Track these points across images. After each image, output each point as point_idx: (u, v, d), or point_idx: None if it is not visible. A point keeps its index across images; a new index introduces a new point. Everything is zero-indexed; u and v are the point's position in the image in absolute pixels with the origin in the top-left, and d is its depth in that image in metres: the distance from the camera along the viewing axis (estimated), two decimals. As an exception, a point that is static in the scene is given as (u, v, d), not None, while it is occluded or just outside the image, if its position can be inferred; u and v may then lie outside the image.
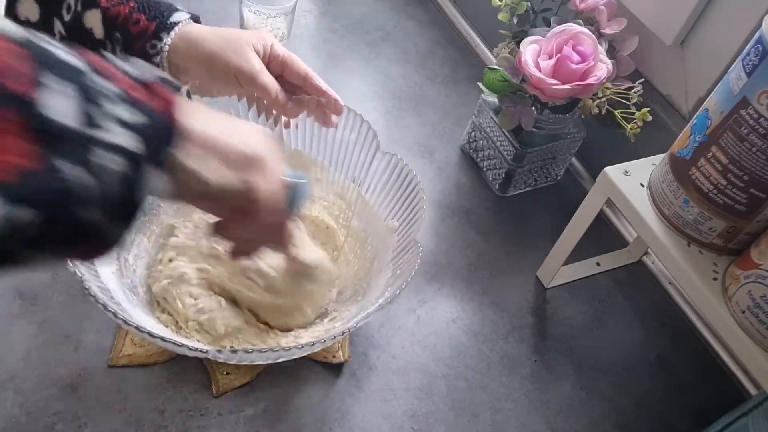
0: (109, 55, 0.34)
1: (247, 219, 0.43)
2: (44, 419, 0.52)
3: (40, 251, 0.30)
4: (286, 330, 0.58)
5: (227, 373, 0.57)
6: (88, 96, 0.30)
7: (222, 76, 0.54)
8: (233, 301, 0.59)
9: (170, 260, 0.59)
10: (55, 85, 0.28)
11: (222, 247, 0.59)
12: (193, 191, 0.38)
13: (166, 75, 0.35)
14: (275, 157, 0.42)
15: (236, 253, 0.49)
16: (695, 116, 0.54)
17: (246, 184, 0.40)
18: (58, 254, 0.32)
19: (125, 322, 0.45)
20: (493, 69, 0.70)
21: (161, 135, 0.33)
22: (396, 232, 0.61)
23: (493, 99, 0.75)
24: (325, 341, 0.48)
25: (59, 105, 0.28)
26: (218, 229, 0.46)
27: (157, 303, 0.58)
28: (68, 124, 0.28)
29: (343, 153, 0.65)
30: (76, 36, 0.53)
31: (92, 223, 0.31)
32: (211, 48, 0.53)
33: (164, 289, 0.57)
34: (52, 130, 0.28)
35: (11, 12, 0.51)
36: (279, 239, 0.50)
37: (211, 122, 0.38)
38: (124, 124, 0.31)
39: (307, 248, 0.58)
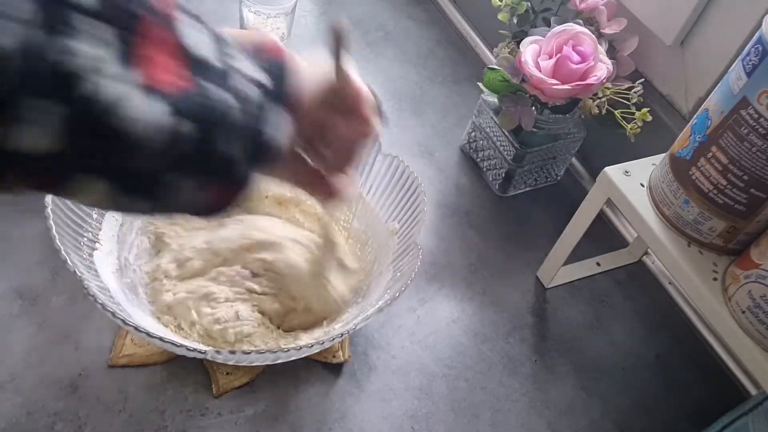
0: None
1: (347, 117, 0.42)
2: (44, 419, 0.52)
3: (183, 177, 0.30)
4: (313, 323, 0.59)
5: (227, 373, 0.57)
6: (217, 37, 0.31)
7: None
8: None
9: (180, 277, 0.59)
10: (190, 22, 0.30)
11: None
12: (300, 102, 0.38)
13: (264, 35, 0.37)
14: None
15: (333, 167, 0.47)
16: (695, 116, 0.54)
17: (348, 75, 0.41)
18: (196, 185, 0.32)
19: (124, 322, 0.45)
20: (493, 69, 0.70)
21: (281, 74, 0.35)
22: (397, 234, 0.61)
23: (493, 99, 0.75)
24: (323, 343, 0.48)
25: (198, 39, 0.30)
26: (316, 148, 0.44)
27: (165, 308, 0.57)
28: (208, 55, 0.30)
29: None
30: None
31: (232, 155, 0.31)
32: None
33: (179, 302, 0.57)
34: (197, 57, 0.29)
35: None
36: (357, 155, 0.47)
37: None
38: (252, 64, 0.33)
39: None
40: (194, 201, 0.32)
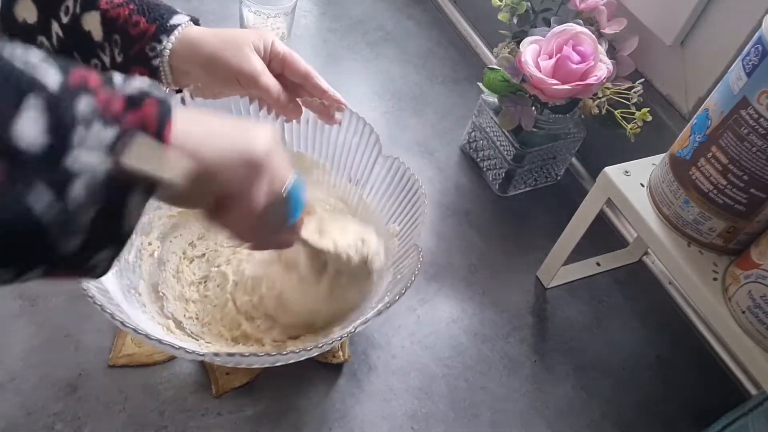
0: (103, 74, 0.33)
1: (240, 220, 0.40)
2: (44, 419, 0.52)
3: (15, 273, 0.30)
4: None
5: (227, 373, 0.57)
6: (60, 118, 0.29)
7: (223, 78, 0.54)
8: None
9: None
10: (26, 107, 0.28)
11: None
12: (191, 180, 0.35)
13: (149, 86, 0.33)
14: (274, 156, 0.41)
15: (247, 244, 0.46)
16: (695, 116, 0.54)
17: (239, 184, 0.38)
18: (36, 275, 0.31)
19: (123, 323, 0.45)
20: (493, 69, 0.70)
21: (138, 143, 0.31)
22: (397, 236, 0.61)
23: (493, 99, 0.75)
24: (322, 346, 0.48)
25: (29, 128, 0.27)
26: (218, 221, 0.42)
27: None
28: (36, 147, 0.28)
29: (345, 156, 0.65)
30: (74, 38, 0.53)
31: (68, 250, 0.30)
32: (211, 50, 0.53)
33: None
34: (20, 151, 0.27)
35: (9, 12, 0.51)
36: (272, 244, 0.47)
37: (204, 125, 0.37)
38: (98, 146, 0.30)
39: (335, 234, 0.54)
40: (48, 277, 0.32)
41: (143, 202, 0.33)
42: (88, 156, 0.29)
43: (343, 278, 0.55)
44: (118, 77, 0.33)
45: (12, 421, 0.52)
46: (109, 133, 0.30)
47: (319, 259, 0.54)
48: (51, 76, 0.29)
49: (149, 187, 0.33)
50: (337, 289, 0.55)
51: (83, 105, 0.30)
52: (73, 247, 0.30)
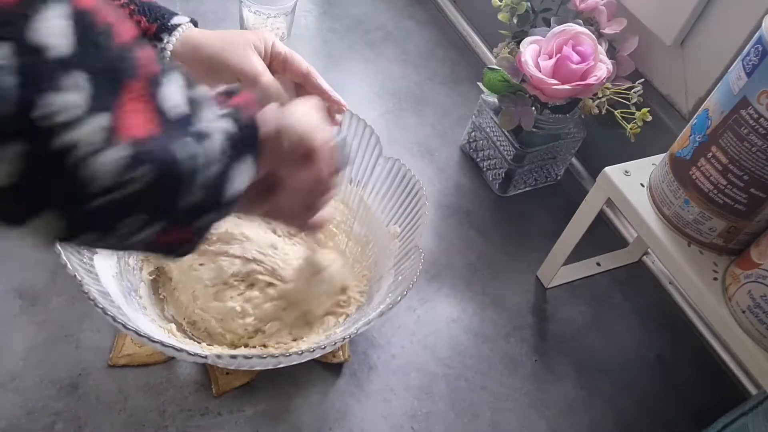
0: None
1: (308, 169, 0.44)
2: (44, 419, 0.52)
3: (141, 222, 0.32)
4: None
5: (227, 373, 0.57)
6: (192, 92, 0.34)
7: (225, 79, 0.54)
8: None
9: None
10: (168, 76, 0.32)
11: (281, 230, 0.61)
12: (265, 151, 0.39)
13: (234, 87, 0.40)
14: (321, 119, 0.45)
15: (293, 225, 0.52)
16: (695, 116, 0.54)
17: (307, 130, 0.42)
18: (154, 231, 0.33)
19: (124, 326, 0.45)
20: (493, 69, 0.70)
21: (250, 124, 0.37)
22: (398, 237, 0.61)
23: (493, 99, 0.75)
24: (325, 347, 0.48)
25: (173, 93, 0.32)
26: (273, 202, 0.46)
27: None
28: (180, 106, 0.32)
29: None
30: None
31: (192, 203, 0.33)
32: (213, 50, 0.53)
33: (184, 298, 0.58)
34: (168, 108, 0.31)
35: None
36: (319, 203, 0.50)
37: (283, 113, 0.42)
38: (220, 115, 0.35)
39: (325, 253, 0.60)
40: (152, 242, 0.34)
41: (250, 170, 0.37)
42: (217, 121, 0.35)
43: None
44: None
45: (12, 421, 0.52)
46: (225, 110, 0.36)
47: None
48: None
49: (260, 153, 0.38)
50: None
51: (199, 89, 0.35)
52: (192, 202, 0.33)
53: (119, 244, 0.33)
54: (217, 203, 0.35)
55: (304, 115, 0.43)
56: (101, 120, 0.27)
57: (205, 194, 0.33)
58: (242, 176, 0.36)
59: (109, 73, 0.28)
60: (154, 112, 0.30)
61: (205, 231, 0.36)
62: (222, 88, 0.39)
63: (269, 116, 0.40)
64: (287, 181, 0.44)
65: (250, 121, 0.37)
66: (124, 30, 0.30)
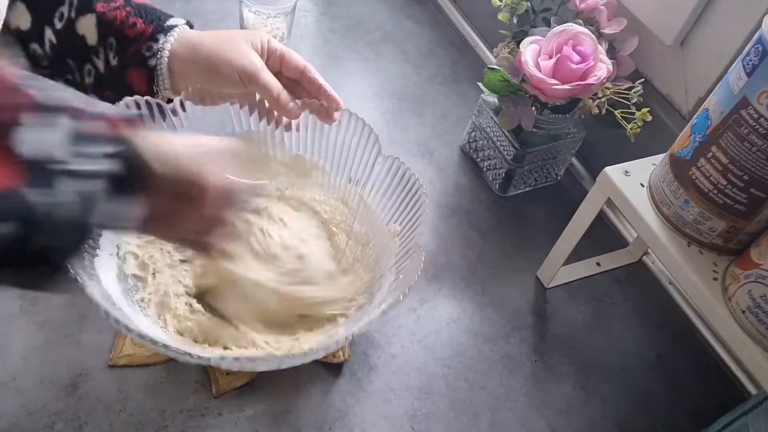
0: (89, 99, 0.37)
1: (192, 208, 0.44)
2: (44, 419, 0.52)
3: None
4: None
5: (227, 373, 0.57)
6: (69, 136, 0.33)
7: (224, 77, 0.54)
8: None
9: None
10: (42, 122, 0.32)
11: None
12: (150, 187, 0.39)
13: (123, 111, 0.40)
14: (228, 159, 0.45)
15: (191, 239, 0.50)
16: (695, 116, 0.54)
17: (198, 171, 0.42)
18: (15, 275, 0.35)
19: (127, 328, 0.45)
20: (493, 69, 0.70)
21: (121, 154, 0.36)
22: (398, 236, 0.60)
23: (493, 99, 0.75)
24: (328, 347, 0.48)
25: (39, 140, 0.32)
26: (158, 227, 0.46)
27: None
28: (46, 156, 0.32)
29: (344, 157, 0.65)
30: (67, 44, 0.53)
31: (57, 248, 0.34)
32: (211, 48, 0.53)
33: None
34: (31, 160, 0.31)
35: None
36: (212, 236, 0.50)
37: (165, 138, 0.42)
38: (97, 158, 0.35)
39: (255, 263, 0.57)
40: (20, 284, 0.36)
41: (130, 208, 0.37)
42: (98, 162, 0.34)
43: None
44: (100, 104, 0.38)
45: (13, 421, 0.52)
46: (111, 146, 0.35)
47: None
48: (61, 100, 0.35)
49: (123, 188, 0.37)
50: None
51: (69, 123, 0.34)
52: (45, 245, 0.34)
53: None
54: (78, 241, 0.36)
55: (198, 154, 0.43)
56: None
57: (68, 237, 0.34)
58: (122, 216, 0.37)
59: None
60: (10, 160, 0.30)
61: (63, 264, 0.37)
62: (116, 112, 0.38)
63: (159, 152, 0.39)
64: (172, 215, 0.44)
65: (134, 159, 0.37)
66: None
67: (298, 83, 0.58)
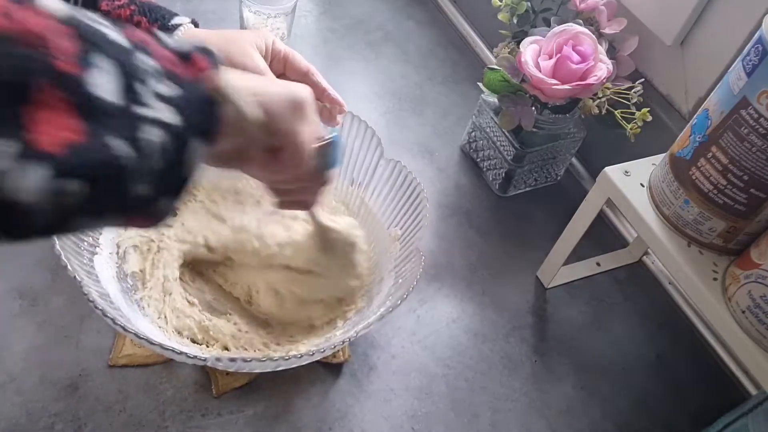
0: (152, 30, 0.36)
1: (289, 165, 0.43)
2: (44, 419, 0.52)
3: (95, 219, 0.32)
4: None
5: (227, 374, 0.57)
6: (130, 73, 0.31)
7: None
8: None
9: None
10: (98, 63, 0.29)
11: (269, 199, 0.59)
12: (239, 134, 0.38)
13: (203, 44, 0.36)
14: (314, 112, 0.44)
15: (280, 203, 0.50)
16: (695, 116, 0.54)
17: (286, 124, 0.41)
18: (113, 221, 0.34)
19: (124, 328, 0.45)
20: (493, 69, 0.70)
21: (200, 103, 0.34)
22: (399, 240, 0.60)
23: (493, 99, 0.75)
24: (324, 351, 0.48)
25: (103, 83, 0.29)
26: (259, 173, 0.46)
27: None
28: (112, 101, 0.29)
29: (347, 159, 0.65)
30: None
31: (141, 196, 0.32)
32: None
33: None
34: (97, 107, 0.29)
35: None
36: (318, 193, 0.50)
37: (248, 77, 0.40)
38: (164, 99, 0.32)
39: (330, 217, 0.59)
40: (121, 225, 0.34)
41: (202, 151, 0.35)
42: (160, 107, 0.32)
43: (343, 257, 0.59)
44: (164, 36, 0.35)
45: (12, 421, 0.52)
46: (173, 88, 0.33)
47: (324, 238, 0.58)
48: (120, 38, 0.32)
49: (212, 134, 0.35)
50: (341, 267, 0.59)
51: (147, 62, 0.32)
52: (139, 194, 0.32)
53: (81, 231, 0.33)
54: (168, 189, 0.34)
55: (289, 108, 0.41)
56: (15, 146, 0.26)
57: (151, 186, 0.32)
58: (190, 161, 0.34)
59: (22, 92, 0.26)
60: (74, 114, 0.28)
61: (168, 208, 0.35)
62: (178, 45, 0.35)
63: (232, 90, 0.37)
64: (261, 167, 0.43)
65: (202, 103, 0.35)
66: (26, 21, 0.27)
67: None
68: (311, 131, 0.44)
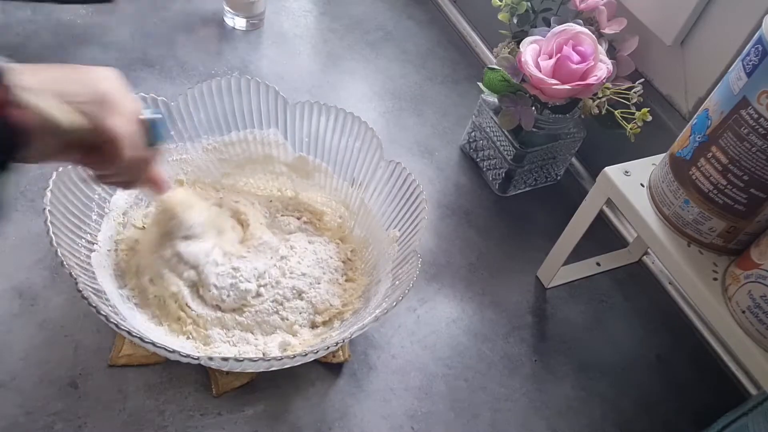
0: None
1: (108, 157, 0.42)
2: (44, 419, 0.52)
3: None
4: None
5: (227, 373, 0.57)
6: None
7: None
8: None
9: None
10: None
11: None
12: (44, 141, 0.37)
13: None
14: (125, 94, 0.42)
15: (101, 180, 0.48)
16: (695, 116, 0.54)
17: (98, 121, 0.39)
18: None
19: (117, 326, 0.45)
20: (493, 69, 0.70)
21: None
22: (397, 241, 0.60)
23: (493, 99, 0.75)
24: (317, 351, 0.48)
25: None
26: (86, 167, 0.45)
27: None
28: None
29: (347, 160, 0.65)
30: None
31: None
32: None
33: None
34: None
35: None
36: (142, 174, 0.48)
37: (46, 71, 0.37)
38: None
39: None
40: None
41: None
42: None
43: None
44: None
45: (12, 421, 0.52)
46: None
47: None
48: None
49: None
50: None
51: None
52: None
53: None
54: None
55: (94, 102, 0.39)
56: None
57: None
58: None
59: None
60: None
61: None
62: None
63: (34, 96, 0.35)
64: (89, 162, 0.42)
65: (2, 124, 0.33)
66: None
67: None
68: (126, 118, 0.42)
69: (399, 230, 0.61)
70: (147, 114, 0.45)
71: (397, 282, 0.56)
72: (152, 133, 0.46)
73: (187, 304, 0.56)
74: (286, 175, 0.67)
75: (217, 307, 0.57)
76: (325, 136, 0.65)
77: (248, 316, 0.57)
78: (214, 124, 0.64)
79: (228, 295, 0.57)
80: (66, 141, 0.38)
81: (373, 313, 0.53)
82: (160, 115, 0.46)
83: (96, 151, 0.41)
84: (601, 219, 0.79)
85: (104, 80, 0.41)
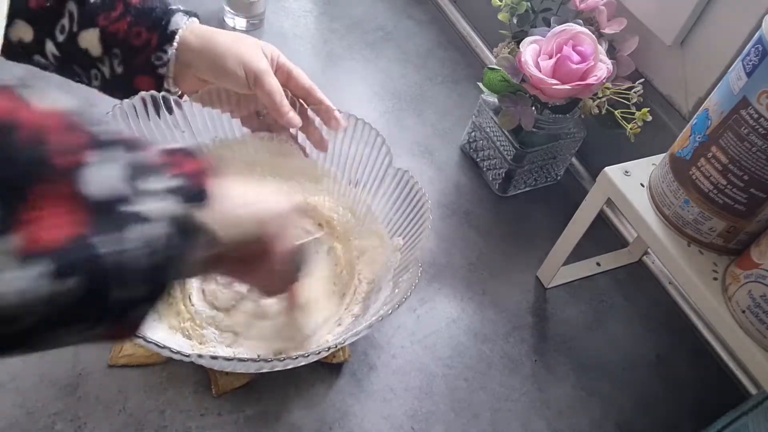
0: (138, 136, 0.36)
1: (258, 271, 0.44)
2: (44, 419, 0.52)
3: (63, 329, 0.29)
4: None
5: (227, 374, 0.57)
6: (129, 170, 0.30)
7: (229, 73, 0.54)
8: None
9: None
10: (97, 159, 0.29)
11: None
12: (218, 251, 0.37)
13: (187, 145, 0.36)
14: (291, 220, 0.44)
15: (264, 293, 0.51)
16: (695, 116, 0.54)
17: (266, 245, 0.42)
18: (85, 332, 0.31)
19: None
20: (493, 69, 0.70)
21: (194, 198, 0.33)
22: (400, 250, 0.60)
23: (493, 99, 0.75)
24: (308, 356, 0.48)
25: (104, 180, 0.29)
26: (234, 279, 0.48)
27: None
28: (113, 197, 0.29)
29: (355, 166, 0.65)
30: (70, 56, 0.52)
31: (126, 299, 0.31)
32: (223, 42, 0.54)
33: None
34: (98, 202, 0.28)
35: (4, 37, 0.51)
36: (283, 284, 0.51)
37: (236, 189, 0.38)
38: (161, 195, 0.31)
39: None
40: (83, 340, 0.32)
41: (194, 254, 0.34)
42: (161, 200, 0.31)
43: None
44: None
45: (12, 421, 0.52)
46: (170, 183, 0.32)
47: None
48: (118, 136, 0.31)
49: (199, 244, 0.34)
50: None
51: (147, 157, 0.32)
52: (125, 298, 0.30)
53: (49, 347, 0.31)
54: (153, 292, 0.32)
55: (264, 219, 0.41)
56: (10, 243, 0.25)
57: (139, 287, 0.31)
58: (185, 262, 0.33)
59: (20, 188, 0.26)
60: (78, 205, 0.27)
61: (141, 319, 0.33)
62: (172, 146, 0.34)
63: (223, 197, 0.36)
64: (239, 270, 0.44)
65: (198, 199, 0.33)
66: (32, 118, 0.27)
67: (302, 101, 0.59)
68: (287, 245, 0.44)
69: (403, 238, 0.61)
70: (307, 238, 0.48)
71: (396, 290, 0.56)
72: (301, 257, 0.48)
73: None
74: (295, 178, 0.67)
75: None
76: (334, 142, 0.65)
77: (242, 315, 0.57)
78: (218, 124, 0.64)
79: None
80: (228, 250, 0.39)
81: (370, 319, 0.52)
82: (317, 236, 0.50)
83: (249, 266, 0.43)
84: (601, 219, 0.79)
85: (276, 201, 0.43)
